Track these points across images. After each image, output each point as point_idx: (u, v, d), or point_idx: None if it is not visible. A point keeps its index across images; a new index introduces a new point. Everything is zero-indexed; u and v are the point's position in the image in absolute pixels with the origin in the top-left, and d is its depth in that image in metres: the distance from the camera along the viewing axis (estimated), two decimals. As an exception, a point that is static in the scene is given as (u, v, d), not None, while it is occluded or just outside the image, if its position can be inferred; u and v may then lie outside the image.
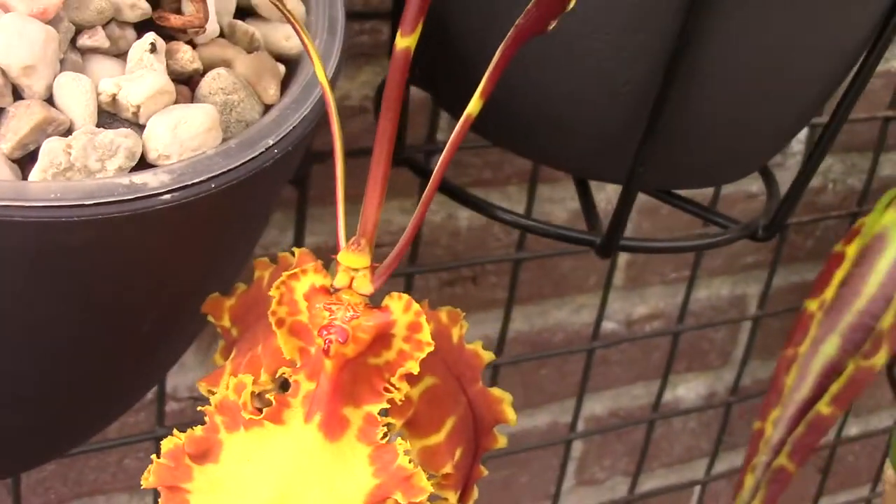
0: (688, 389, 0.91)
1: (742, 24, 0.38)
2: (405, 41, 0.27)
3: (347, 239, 0.28)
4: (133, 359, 0.32)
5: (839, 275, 0.24)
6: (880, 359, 0.23)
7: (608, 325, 0.83)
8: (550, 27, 0.28)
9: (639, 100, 0.39)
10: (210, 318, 0.32)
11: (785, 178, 0.83)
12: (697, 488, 0.97)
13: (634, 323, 0.84)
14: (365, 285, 0.27)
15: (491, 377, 0.72)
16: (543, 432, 0.83)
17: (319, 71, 0.28)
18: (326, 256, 0.30)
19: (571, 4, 0.28)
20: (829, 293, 0.24)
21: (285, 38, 0.34)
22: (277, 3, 0.28)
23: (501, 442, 0.32)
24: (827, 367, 0.22)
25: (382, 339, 0.28)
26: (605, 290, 0.72)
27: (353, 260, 0.27)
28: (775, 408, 0.23)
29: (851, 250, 0.26)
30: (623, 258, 0.80)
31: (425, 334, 0.27)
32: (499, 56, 0.28)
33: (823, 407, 0.23)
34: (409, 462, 0.27)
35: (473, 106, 0.28)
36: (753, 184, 0.85)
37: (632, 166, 0.40)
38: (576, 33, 0.38)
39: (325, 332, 0.27)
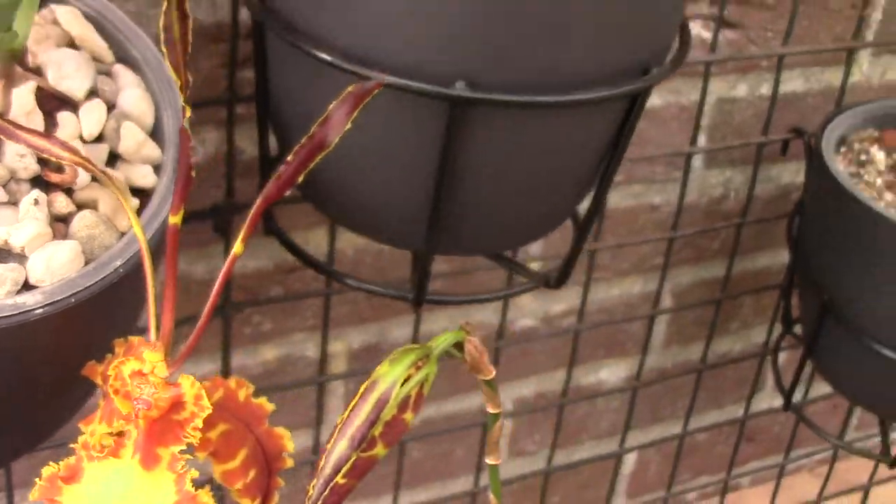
0: (609, 373, 1.04)
1: (494, 143, 0.51)
2: (174, 219, 0.41)
3: (157, 334, 0.42)
4: (39, 408, 0.47)
5: (353, 403, 0.38)
6: (378, 451, 0.37)
7: (527, 322, 0.96)
8: (286, 194, 0.42)
9: (422, 197, 0.52)
10: (91, 379, 0.47)
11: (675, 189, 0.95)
12: (630, 456, 1.10)
13: (552, 319, 0.97)
14: (162, 371, 0.42)
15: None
16: (474, 413, 0.97)
17: (135, 224, 0.42)
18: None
19: (301, 179, 0.41)
20: (346, 414, 0.37)
21: (142, 176, 0.48)
22: (110, 183, 0.42)
23: (289, 463, 0.47)
24: (341, 457, 0.36)
25: (178, 404, 0.42)
26: (505, 300, 0.86)
27: (152, 356, 0.42)
28: (314, 479, 0.36)
29: (363, 387, 0.39)
30: (536, 265, 0.93)
31: (205, 401, 0.42)
32: (252, 215, 0.41)
33: (340, 479, 0.36)
34: (192, 486, 0.41)
35: (238, 248, 0.42)
36: (656, 196, 0.97)
37: (424, 246, 0.53)
38: (363, 149, 0.51)
39: (135, 403, 0.41)
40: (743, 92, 0.95)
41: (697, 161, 0.96)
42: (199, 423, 0.42)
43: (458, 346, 0.39)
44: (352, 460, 0.35)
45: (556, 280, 0.59)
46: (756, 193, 1.01)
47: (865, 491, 1.20)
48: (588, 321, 0.98)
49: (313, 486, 0.36)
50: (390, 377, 0.37)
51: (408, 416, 0.37)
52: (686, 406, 1.08)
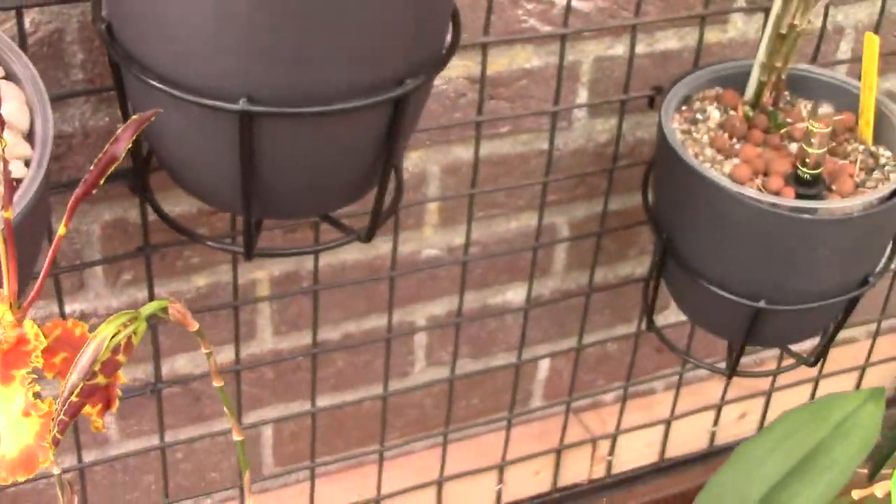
0: (515, 294, 1.20)
1: (282, 141, 0.67)
2: (6, 214, 0.58)
3: (9, 291, 0.60)
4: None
5: (82, 349, 0.54)
6: (100, 380, 0.54)
7: (431, 252, 1.13)
8: (94, 191, 0.58)
9: (235, 180, 0.68)
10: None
11: (569, 136, 1.09)
12: (543, 363, 1.27)
13: (455, 250, 1.13)
14: (9, 318, 0.59)
15: (313, 298, 1.04)
16: (387, 329, 1.14)
17: None
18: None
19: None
20: (79, 356, 0.54)
21: (16, 170, 0.66)
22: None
23: (122, 378, 0.64)
24: (74, 383, 0.53)
25: (23, 340, 0.60)
26: (394, 236, 1.02)
27: (0, 307, 0.59)
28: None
29: (89, 339, 0.55)
30: (434, 205, 1.09)
31: (42, 339, 0.60)
32: (69, 207, 0.58)
33: (73, 399, 0.53)
34: (33, 396, 0.59)
35: (61, 230, 0.59)
36: (543, 143, 1.12)
37: (244, 211, 0.70)
38: (189, 144, 0.68)
39: (-9, 340, 0.59)
40: (620, 51, 1.08)
41: (582, 112, 1.10)
42: (39, 353, 0.60)
43: (165, 310, 0.55)
44: (80, 386, 0.53)
45: (365, 235, 0.76)
46: (643, 137, 1.15)
47: (767, 396, 1.36)
48: (488, 251, 1.14)
49: (56, 404, 0.54)
50: (105, 332, 0.54)
51: (120, 357, 0.55)
52: (593, 322, 1.24)
